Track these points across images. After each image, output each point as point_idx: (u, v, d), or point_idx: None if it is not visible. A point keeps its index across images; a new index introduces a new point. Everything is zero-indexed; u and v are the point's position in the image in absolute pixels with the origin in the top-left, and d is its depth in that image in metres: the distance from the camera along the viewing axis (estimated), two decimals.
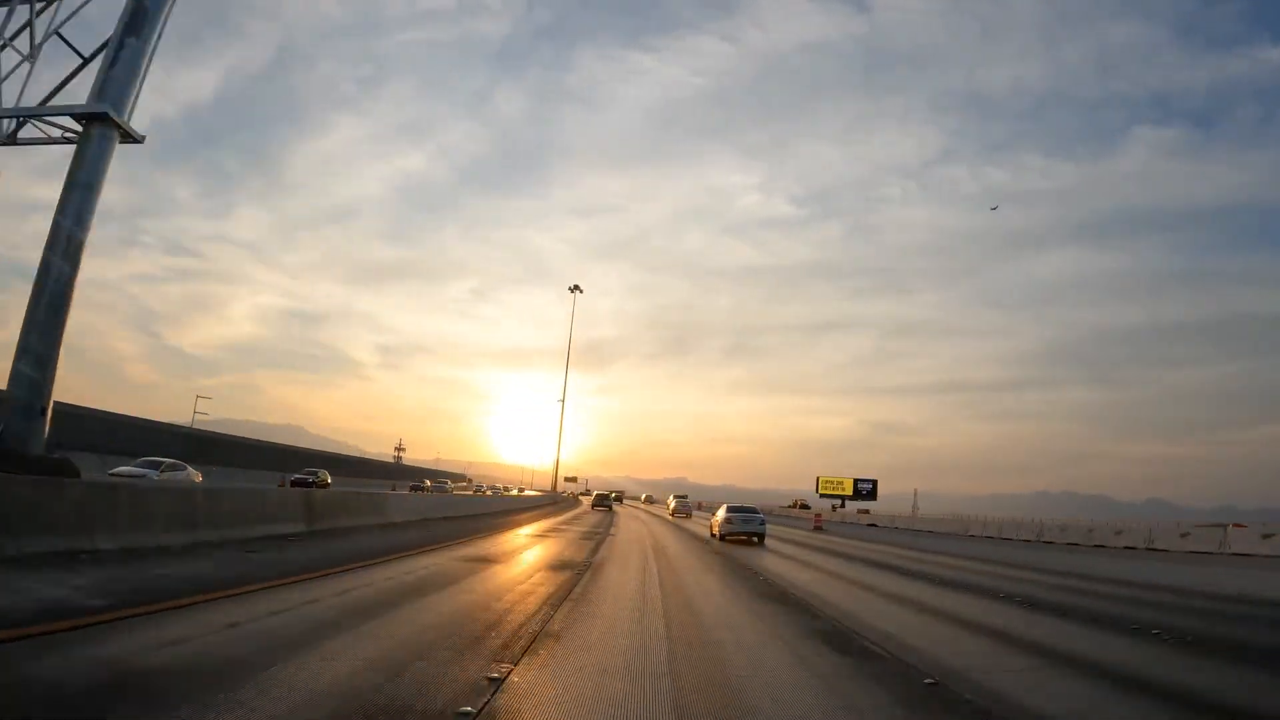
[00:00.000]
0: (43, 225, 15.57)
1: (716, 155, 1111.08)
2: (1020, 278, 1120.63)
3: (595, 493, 71.90)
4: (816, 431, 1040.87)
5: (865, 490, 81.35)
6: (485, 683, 4.42)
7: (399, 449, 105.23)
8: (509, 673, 4.72)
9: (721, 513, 23.00)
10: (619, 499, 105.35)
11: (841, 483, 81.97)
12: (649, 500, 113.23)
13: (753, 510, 23.01)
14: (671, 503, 59.42)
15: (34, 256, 15.56)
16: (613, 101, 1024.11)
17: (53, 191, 15.70)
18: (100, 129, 16.00)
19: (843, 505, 75.86)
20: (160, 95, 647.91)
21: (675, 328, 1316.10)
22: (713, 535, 23.08)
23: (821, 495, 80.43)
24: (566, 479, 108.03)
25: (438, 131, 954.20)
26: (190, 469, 26.19)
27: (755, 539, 21.82)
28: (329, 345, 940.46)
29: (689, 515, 48.37)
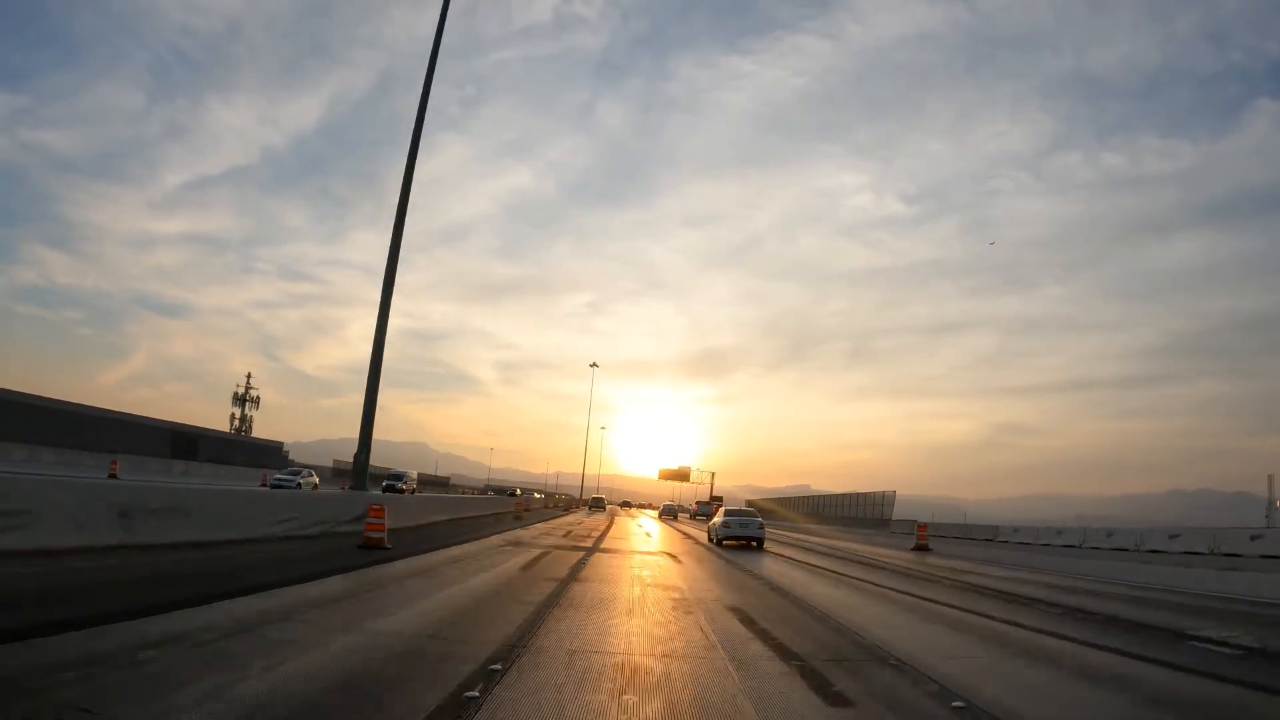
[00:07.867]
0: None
1: (824, 156, 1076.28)
2: (1144, 267, 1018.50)
3: (592, 497, 75.18)
4: (940, 435, 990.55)
5: None
6: None
7: (242, 398, 67.43)
8: None
9: (719, 517, 23.31)
10: (626, 505, 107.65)
11: None
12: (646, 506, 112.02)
13: (751, 514, 23.08)
14: (660, 507, 66.95)
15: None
16: (715, 108, 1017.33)
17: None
18: None
19: None
20: (268, 125, 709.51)
21: (793, 334, 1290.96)
22: (710, 540, 23.18)
23: None
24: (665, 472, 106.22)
25: (543, 147, 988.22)
26: None
27: (754, 543, 21.39)
28: (448, 363, 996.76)
29: (675, 518, 54.19)
